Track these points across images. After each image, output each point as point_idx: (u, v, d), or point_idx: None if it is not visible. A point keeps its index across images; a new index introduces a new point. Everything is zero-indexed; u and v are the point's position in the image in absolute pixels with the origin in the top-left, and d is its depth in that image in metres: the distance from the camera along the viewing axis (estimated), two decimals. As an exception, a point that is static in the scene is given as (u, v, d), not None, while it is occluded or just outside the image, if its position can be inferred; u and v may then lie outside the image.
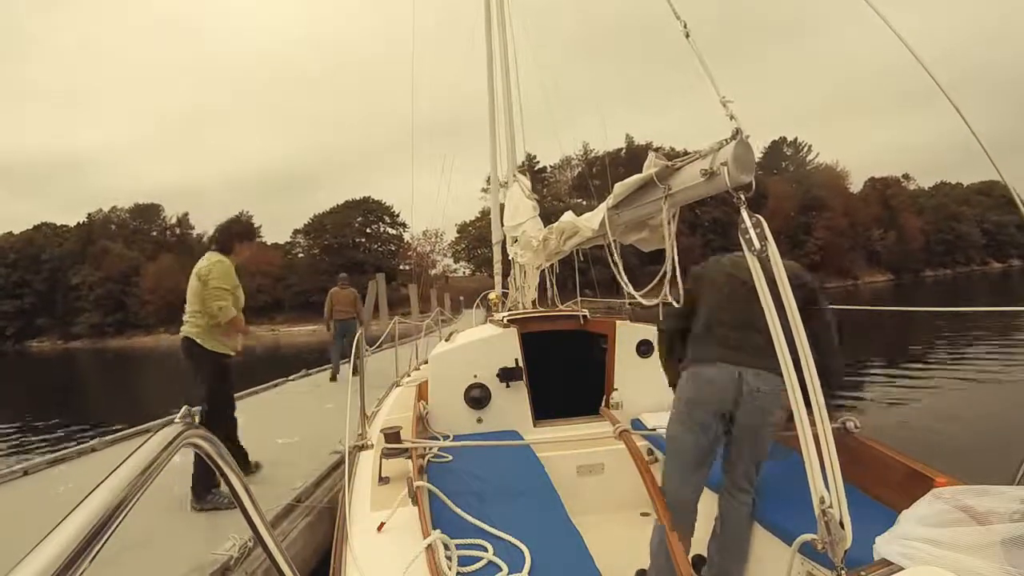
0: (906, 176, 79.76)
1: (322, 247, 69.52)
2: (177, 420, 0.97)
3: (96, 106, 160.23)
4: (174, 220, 79.43)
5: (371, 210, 72.09)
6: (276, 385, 9.16)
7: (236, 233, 4.30)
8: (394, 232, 73.05)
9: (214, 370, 3.93)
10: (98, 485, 0.69)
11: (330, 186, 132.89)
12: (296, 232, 73.13)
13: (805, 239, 63.18)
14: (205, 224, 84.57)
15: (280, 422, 5.39)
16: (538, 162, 65.48)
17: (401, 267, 64.82)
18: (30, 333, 70.06)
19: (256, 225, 76.48)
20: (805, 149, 76.56)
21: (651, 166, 2.21)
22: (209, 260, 4.05)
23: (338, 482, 4.10)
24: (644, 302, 2.48)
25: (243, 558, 2.89)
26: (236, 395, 7.94)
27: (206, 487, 3.65)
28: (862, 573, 1.49)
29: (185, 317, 4.09)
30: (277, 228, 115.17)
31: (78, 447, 5.59)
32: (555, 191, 66.73)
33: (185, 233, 78.53)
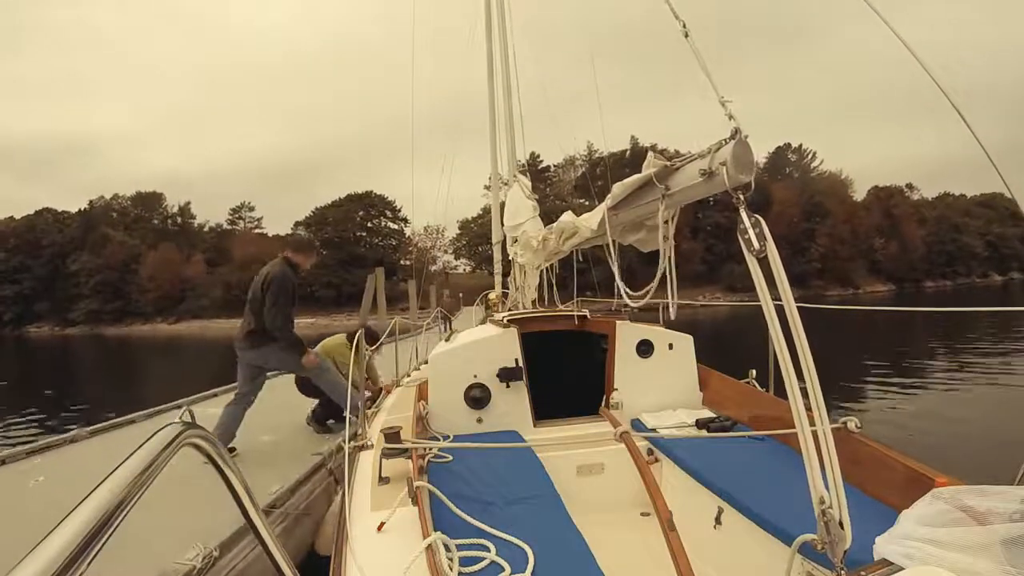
0: (909, 186, 79.91)
1: (323, 240, 69.55)
2: (177, 420, 0.97)
3: (102, 93, 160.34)
4: (176, 209, 79.49)
5: (373, 204, 72.09)
6: (268, 377, 9.00)
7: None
8: (395, 227, 73.13)
9: None
10: (98, 485, 0.69)
11: (333, 179, 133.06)
12: (297, 224, 73.07)
13: (807, 245, 63.21)
14: (207, 214, 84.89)
15: (268, 417, 5.28)
16: (541, 161, 65.48)
17: (402, 262, 64.84)
18: (28, 318, 70.14)
19: (258, 216, 77.09)
20: (809, 156, 76.53)
21: (650, 166, 2.20)
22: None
23: (317, 487, 4.10)
24: (632, 304, 2.49)
25: (206, 568, 2.78)
26: (226, 387, 7.96)
27: (320, 421, 5.56)
28: (862, 573, 1.49)
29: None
30: (279, 220, 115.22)
31: (57, 437, 5.46)
32: (558, 191, 66.71)
33: (187, 222, 78.55)
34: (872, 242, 67.62)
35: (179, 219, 78.95)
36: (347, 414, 3.37)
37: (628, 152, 63.12)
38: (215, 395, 7.84)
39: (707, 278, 59.59)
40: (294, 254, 4.85)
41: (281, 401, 6.38)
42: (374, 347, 5.47)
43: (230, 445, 4.67)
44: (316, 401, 5.72)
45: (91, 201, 77.03)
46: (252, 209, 78.63)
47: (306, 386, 5.68)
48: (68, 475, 4.23)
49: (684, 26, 1.95)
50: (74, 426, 6.41)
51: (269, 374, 5.15)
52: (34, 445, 5.16)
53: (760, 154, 74.52)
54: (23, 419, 11.64)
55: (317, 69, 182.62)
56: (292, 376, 5.60)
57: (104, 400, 13.52)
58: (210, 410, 6.59)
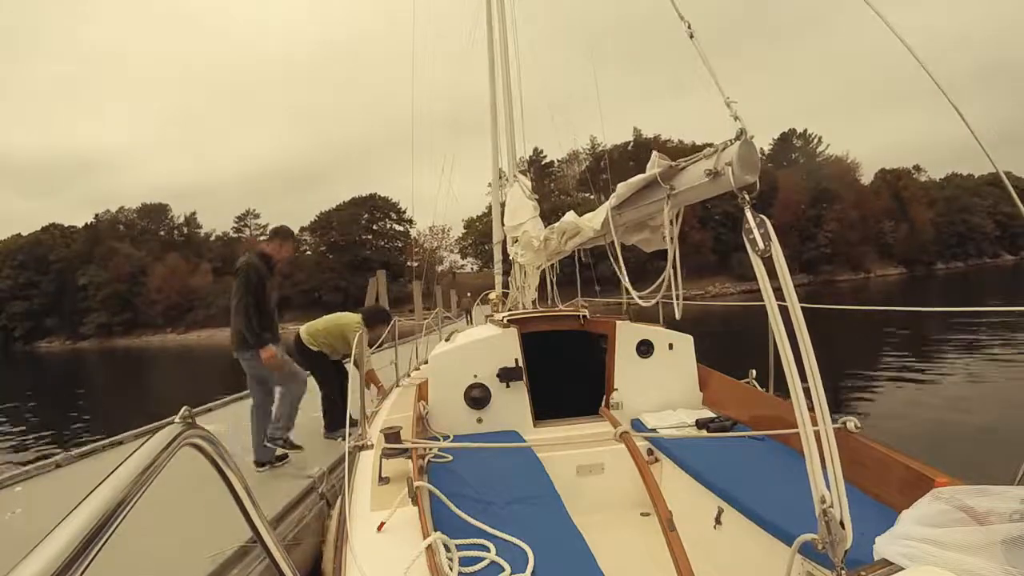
0: (917, 168, 79.24)
1: (329, 244, 69.70)
2: (177, 420, 0.96)
3: (105, 107, 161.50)
4: (181, 220, 79.98)
5: (378, 207, 72.20)
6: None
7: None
8: (401, 228, 73.13)
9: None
10: (98, 485, 0.69)
11: (337, 183, 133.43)
12: (303, 229, 73.34)
13: (816, 231, 62.81)
14: (212, 223, 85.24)
15: (249, 436, 4.97)
16: (545, 156, 65.39)
17: (408, 263, 64.89)
18: (39, 334, 70.87)
19: (263, 223, 77.37)
20: (815, 141, 75.93)
21: (655, 166, 2.19)
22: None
23: (307, 513, 3.90)
24: (641, 302, 2.48)
25: None
26: (221, 401, 7.91)
27: (331, 427, 5.40)
28: (862, 573, 1.48)
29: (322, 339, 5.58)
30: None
31: (41, 463, 5.10)
32: (562, 186, 66.62)
33: (193, 232, 78.99)
34: (881, 225, 67.01)
35: (185, 229, 79.46)
36: (347, 415, 3.36)
37: (631, 144, 62.96)
38: (209, 409, 7.57)
39: (716, 268, 59.31)
40: (267, 243, 4.67)
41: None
42: (379, 345, 5.49)
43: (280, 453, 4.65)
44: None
45: (97, 215, 77.81)
46: (257, 216, 79.06)
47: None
48: (48, 506, 3.99)
49: (689, 27, 1.94)
50: (58, 450, 6.11)
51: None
52: (15, 472, 4.82)
53: (765, 141, 74.42)
54: (32, 435, 11.73)
55: (318, 71, 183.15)
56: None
57: (113, 414, 13.62)
58: (204, 426, 6.38)
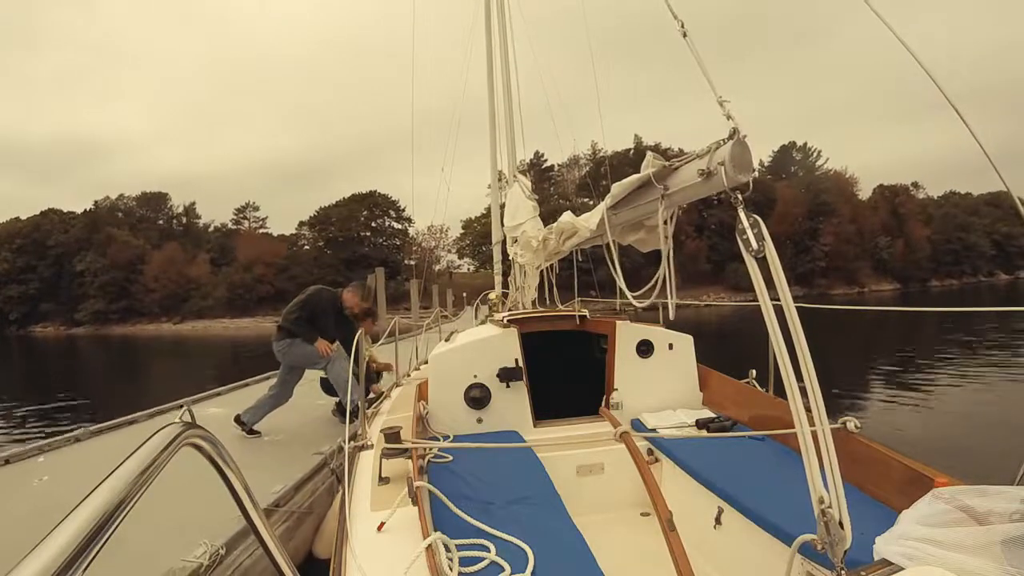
0: (915, 184, 79.61)
1: (327, 240, 69.62)
2: (177, 420, 0.96)
3: (109, 95, 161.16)
4: (181, 209, 79.84)
5: (377, 204, 72.16)
6: (269, 377, 8.97)
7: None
8: (399, 227, 73.11)
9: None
10: (98, 485, 0.69)
11: (338, 179, 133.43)
12: (302, 224, 73.34)
13: (812, 244, 63.00)
14: (212, 213, 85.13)
15: (268, 417, 5.35)
16: (546, 160, 65.49)
17: (406, 262, 64.90)
18: (34, 318, 70.55)
19: (262, 216, 77.32)
20: (814, 154, 76.19)
21: (649, 166, 2.20)
22: None
23: (320, 485, 4.13)
24: (636, 304, 2.48)
25: (214, 566, 2.78)
26: (228, 386, 8.06)
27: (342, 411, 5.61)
28: (862, 573, 1.48)
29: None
30: (283, 220, 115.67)
31: (61, 437, 5.53)
32: (562, 190, 66.71)
33: (191, 222, 78.83)
34: (878, 240, 67.25)
35: (184, 219, 79.33)
36: (348, 411, 3.37)
37: (632, 151, 63.07)
38: (217, 394, 7.90)
39: (712, 277, 59.42)
40: (345, 292, 5.65)
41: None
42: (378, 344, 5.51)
43: (255, 428, 5.31)
44: (333, 399, 5.94)
45: (96, 201, 77.51)
46: (257, 209, 79.03)
47: (327, 385, 5.87)
48: (71, 474, 4.32)
49: (682, 26, 1.94)
50: (77, 426, 6.41)
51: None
52: (39, 444, 5.21)
53: (765, 153, 74.65)
54: (28, 418, 11.69)
55: (319, 69, 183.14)
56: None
57: (109, 400, 13.58)
58: (211, 410, 6.64)
